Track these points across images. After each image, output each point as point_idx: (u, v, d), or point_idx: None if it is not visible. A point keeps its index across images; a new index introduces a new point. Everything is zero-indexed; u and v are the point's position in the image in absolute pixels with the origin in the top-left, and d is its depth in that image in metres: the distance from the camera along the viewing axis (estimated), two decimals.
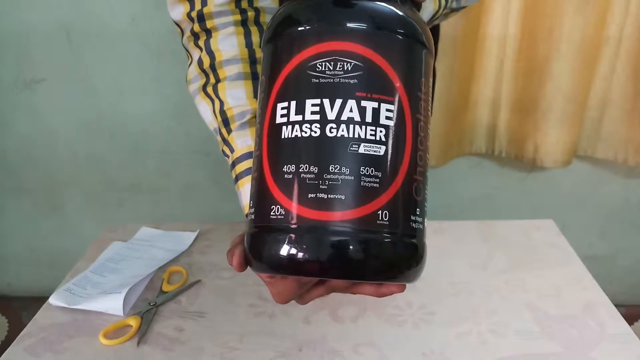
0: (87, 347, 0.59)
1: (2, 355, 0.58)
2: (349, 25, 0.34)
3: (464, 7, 0.66)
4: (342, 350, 0.57)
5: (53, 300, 0.65)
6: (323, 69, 0.33)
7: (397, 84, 0.34)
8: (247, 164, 0.48)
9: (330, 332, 0.60)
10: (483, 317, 0.62)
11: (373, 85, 0.33)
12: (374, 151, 0.33)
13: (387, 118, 0.33)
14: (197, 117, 0.55)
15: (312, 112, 0.33)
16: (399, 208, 0.33)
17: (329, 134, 0.33)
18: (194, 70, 0.53)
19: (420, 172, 0.35)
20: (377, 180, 0.33)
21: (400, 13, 0.35)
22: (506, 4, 1.06)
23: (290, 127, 0.34)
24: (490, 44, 1.10)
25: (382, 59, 0.34)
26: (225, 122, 0.50)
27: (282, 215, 0.33)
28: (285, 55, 0.35)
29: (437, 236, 0.79)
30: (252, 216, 0.36)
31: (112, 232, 0.84)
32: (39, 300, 0.68)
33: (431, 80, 0.38)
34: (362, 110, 0.33)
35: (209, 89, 0.51)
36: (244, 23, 0.52)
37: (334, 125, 0.33)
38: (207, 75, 0.52)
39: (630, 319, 0.67)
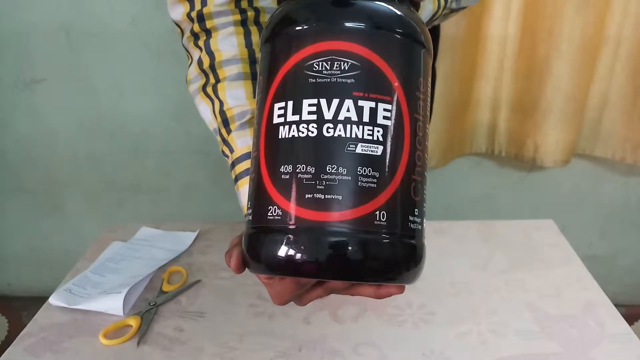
0: (87, 347, 0.59)
1: (2, 355, 0.58)
2: (346, 24, 0.33)
3: (464, 8, 0.66)
4: (342, 350, 0.57)
5: (53, 300, 0.65)
6: (320, 68, 0.33)
7: (395, 84, 0.34)
8: (247, 164, 0.48)
9: (330, 332, 0.60)
10: (483, 317, 0.62)
11: (370, 84, 0.33)
12: (372, 151, 0.33)
13: (385, 118, 0.33)
14: (197, 117, 0.55)
15: (309, 112, 0.33)
16: (397, 208, 0.33)
17: (326, 134, 0.33)
18: (194, 70, 0.53)
19: (418, 172, 0.35)
20: (375, 180, 0.32)
21: (398, 12, 0.35)
22: (507, 4, 1.06)
23: (287, 127, 0.34)
24: (490, 44, 1.10)
25: (379, 58, 0.33)
26: (225, 122, 0.50)
27: (279, 215, 0.33)
28: (283, 55, 0.35)
29: (437, 236, 0.79)
30: (250, 217, 0.36)
31: (112, 232, 0.84)
32: (39, 300, 0.68)
33: (430, 80, 0.38)
34: (359, 110, 0.33)
35: (209, 89, 0.51)
36: (243, 23, 0.52)
37: (331, 125, 0.33)
38: (207, 76, 0.52)
39: (630, 319, 0.67)
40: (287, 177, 0.33)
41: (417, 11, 0.39)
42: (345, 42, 0.33)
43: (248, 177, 0.47)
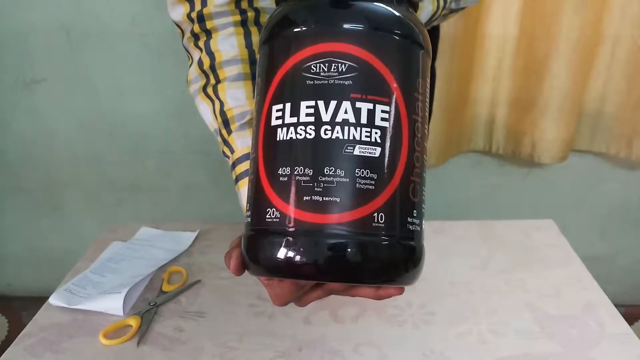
0: (87, 347, 0.59)
1: (2, 355, 0.58)
2: (344, 26, 0.33)
3: (463, 8, 0.66)
4: (342, 350, 0.57)
5: (53, 300, 0.65)
6: (318, 70, 0.33)
7: (393, 85, 0.34)
8: (247, 164, 0.48)
9: (330, 332, 0.60)
10: (483, 317, 0.62)
11: (368, 86, 0.33)
12: (370, 153, 0.33)
13: (383, 119, 0.33)
14: (197, 117, 0.55)
15: (307, 114, 0.33)
16: (396, 210, 0.33)
17: (323, 136, 0.32)
18: (194, 71, 0.53)
19: (417, 173, 0.35)
20: (373, 182, 0.32)
21: (396, 14, 0.35)
22: (505, 4, 1.07)
23: (285, 129, 0.34)
24: (489, 44, 1.11)
25: (377, 59, 0.33)
26: (226, 122, 0.50)
27: (277, 218, 0.33)
28: (280, 56, 0.35)
29: (437, 236, 0.80)
30: (249, 219, 0.36)
31: (112, 232, 0.84)
32: (39, 300, 0.68)
33: (429, 80, 0.38)
34: (357, 112, 0.33)
35: (209, 90, 0.51)
36: (243, 23, 0.52)
37: (329, 127, 0.33)
38: (207, 76, 0.52)
39: (630, 319, 0.67)
40: (285, 179, 0.33)
41: (416, 12, 0.39)
42: (343, 43, 0.33)
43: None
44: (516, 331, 0.59)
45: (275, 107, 0.34)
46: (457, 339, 0.59)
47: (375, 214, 0.32)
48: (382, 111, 0.33)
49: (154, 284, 0.71)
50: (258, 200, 0.35)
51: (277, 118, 0.34)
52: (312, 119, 0.33)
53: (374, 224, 0.32)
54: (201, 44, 0.52)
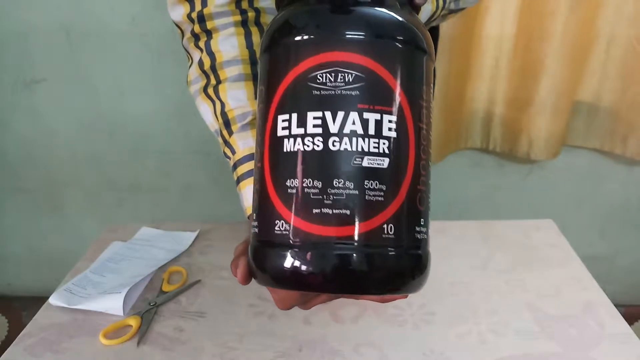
0: (87, 347, 0.59)
1: (2, 355, 0.58)
2: (349, 34, 0.33)
3: (462, 9, 0.66)
4: (343, 350, 0.57)
5: (53, 300, 0.65)
6: (324, 80, 0.32)
7: (399, 94, 0.33)
8: (249, 165, 0.48)
9: (330, 332, 0.60)
10: (483, 317, 0.62)
11: (375, 96, 0.32)
12: (378, 164, 0.32)
13: (390, 129, 0.33)
14: (197, 117, 0.55)
15: (314, 125, 0.32)
16: (404, 220, 0.33)
17: (332, 148, 0.32)
18: (194, 71, 0.53)
19: (423, 181, 0.35)
20: (382, 193, 0.32)
21: (400, 19, 0.34)
22: (503, 4, 1.07)
23: (292, 140, 0.33)
24: (486, 44, 1.11)
25: (383, 68, 0.33)
26: (227, 123, 0.50)
27: (286, 230, 0.33)
28: (284, 66, 0.34)
29: (437, 236, 0.79)
30: (256, 230, 0.35)
31: (112, 232, 0.84)
32: (39, 300, 0.68)
33: (432, 86, 0.38)
34: (364, 123, 0.32)
35: (210, 91, 0.51)
36: (244, 24, 0.51)
37: (337, 139, 0.32)
38: (207, 77, 0.52)
39: (630, 319, 0.68)
40: (294, 191, 0.32)
41: (418, 14, 0.38)
42: (349, 52, 0.32)
43: (250, 178, 0.47)
44: (516, 331, 0.60)
45: (281, 117, 0.34)
46: (457, 339, 0.59)
47: (385, 226, 0.32)
48: (389, 121, 0.33)
49: (154, 284, 0.71)
50: (265, 212, 0.34)
51: (283, 128, 0.33)
52: (319, 130, 0.32)
53: (383, 236, 0.32)
54: (201, 44, 0.52)
